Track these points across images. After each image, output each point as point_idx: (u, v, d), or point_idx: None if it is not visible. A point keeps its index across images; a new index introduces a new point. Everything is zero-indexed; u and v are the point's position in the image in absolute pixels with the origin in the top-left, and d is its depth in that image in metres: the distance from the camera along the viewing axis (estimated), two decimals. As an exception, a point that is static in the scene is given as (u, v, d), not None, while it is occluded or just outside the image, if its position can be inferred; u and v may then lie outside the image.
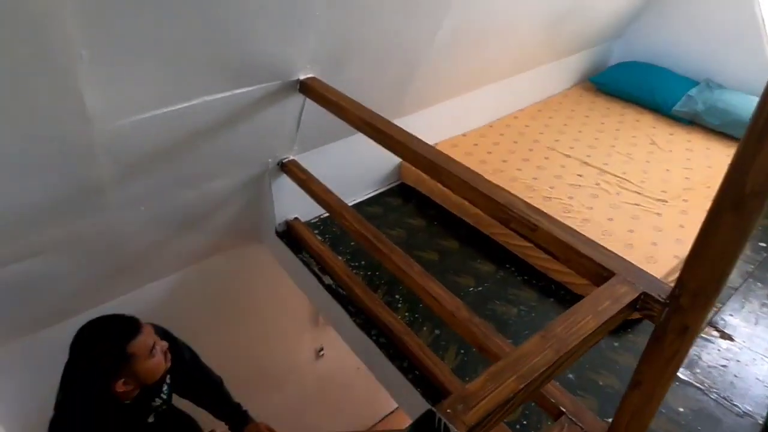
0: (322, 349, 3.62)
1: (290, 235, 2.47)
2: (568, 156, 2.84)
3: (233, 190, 2.25)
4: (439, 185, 2.54)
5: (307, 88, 1.85)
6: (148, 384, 1.44)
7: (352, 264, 2.32)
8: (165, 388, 1.56)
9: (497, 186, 1.27)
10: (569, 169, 2.72)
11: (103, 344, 1.39)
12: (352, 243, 2.44)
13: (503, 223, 1.20)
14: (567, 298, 2.14)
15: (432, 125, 2.79)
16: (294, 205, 2.47)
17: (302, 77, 1.86)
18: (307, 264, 2.31)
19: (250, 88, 1.76)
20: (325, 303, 2.23)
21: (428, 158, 1.42)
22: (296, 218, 2.51)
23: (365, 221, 1.86)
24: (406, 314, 2.07)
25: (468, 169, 1.34)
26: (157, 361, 1.44)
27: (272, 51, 1.69)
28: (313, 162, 2.29)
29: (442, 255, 2.37)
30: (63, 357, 2.33)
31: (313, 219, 2.59)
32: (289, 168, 2.24)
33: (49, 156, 1.48)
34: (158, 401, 1.53)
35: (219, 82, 1.66)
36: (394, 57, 2.14)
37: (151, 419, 1.52)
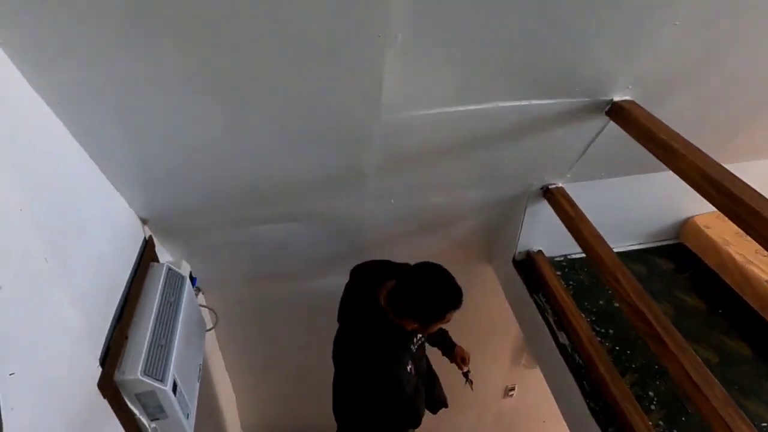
0: (513, 389, 3.26)
1: (529, 268, 2.15)
2: None
3: (484, 204, 2.02)
4: (736, 260, 1.95)
5: (619, 112, 1.47)
6: (422, 334, 1.70)
7: (597, 328, 1.90)
8: None
9: None
10: None
11: (439, 298, 1.52)
12: (601, 302, 2.01)
13: None
14: None
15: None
16: (542, 236, 2.14)
17: (617, 99, 1.49)
18: (541, 309, 1.97)
19: (551, 101, 1.46)
20: (552, 363, 1.87)
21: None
22: (540, 251, 2.17)
23: (649, 298, 1.43)
24: (661, 423, 1.59)
25: None
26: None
27: (593, 64, 1.36)
28: (580, 194, 1.92)
29: (725, 359, 1.78)
30: (280, 314, 2.44)
31: (558, 257, 2.22)
32: (554, 196, 1.90)
33: (331, 134, 1.42)
34: (419, 336, 1.74)
35: (520, 89, 1.40)
36: (742, 93, 1.61)
37: (414, 348, 1.70)
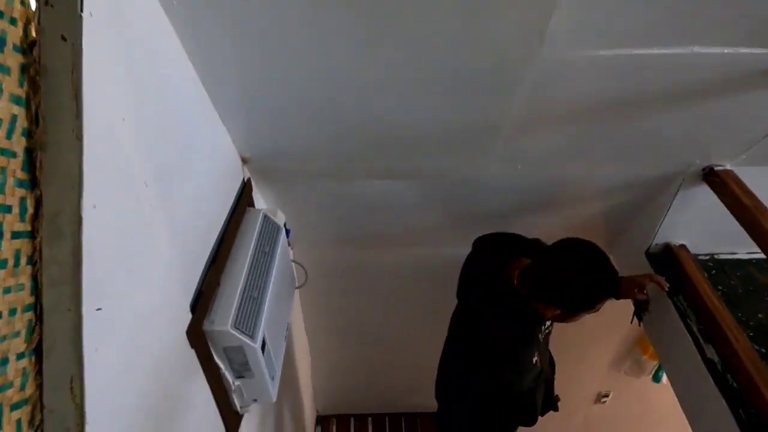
0: (607, 396, 2.94)
1: (666, 263, 1.81)
2: None
3: (625, 183, 1.70)
4: None
5: None
6: (560, 321, 1.46)
7: (755, 347, 1.55)
8: None
9: None
10: None
11: (593, 282, 1.30)
12: (760, 315, 1.65)
13: None
14: None
15: None
16: (689, 228, 1.79)
17: None
18: (682, 314, 1.65)
19: (761, 51, 1.13)
20: (692, 380, 1.56)
21: None
22: (683, 246, 1.83)
23: None
24: None
25: None
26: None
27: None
28: (751, 180, 1.56)
29: None
30: (369, 281, 2.26)
31: (702, 255, 1.87)
32: (720, 181, 1.55)
33: (473, 76, 1.18)
34: (549, 324, 1.56)
35: (728, 31, 1.07)
36: None
37: (541, 337, 1.53)
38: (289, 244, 2.05)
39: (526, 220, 1.93)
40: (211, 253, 1.25)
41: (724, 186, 1.53)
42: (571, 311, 1.35)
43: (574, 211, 1.88)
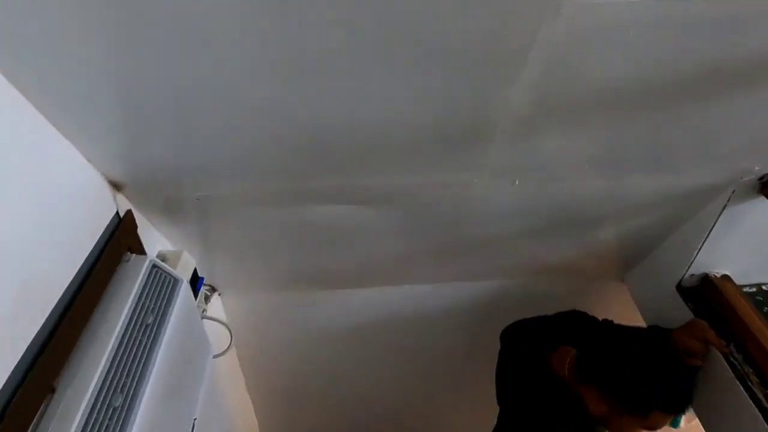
0: (613, 441, 2.52)
1: (704, 298, 1.39)
2: None
3: (657, 196, 1.26)
4: None
5: None
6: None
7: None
8: None
9: None
10: None
11: (663, 383, 1.16)
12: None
13: None
14: None
15: None
16: (734, 253, 1.38)
17: None
18: (736, 370, 1.22)
19: None
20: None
21: None
22: (727, 277, 1.41)
23: None
24: None
25: None
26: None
27: None
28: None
29: None
30: (322, 329, 1.79)
31: (747, 286, 1.46)
32: (787, 193, 1.14)
33: (461, 48, 0.72)
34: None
35: None
36: None
37: None
38: (215, 291, 1.57)
39: (525, 248, 1.50)
40: (32, 344, 0.76)
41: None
42: (621, 405, 1.15)
43: (587, 235, 1.45)
